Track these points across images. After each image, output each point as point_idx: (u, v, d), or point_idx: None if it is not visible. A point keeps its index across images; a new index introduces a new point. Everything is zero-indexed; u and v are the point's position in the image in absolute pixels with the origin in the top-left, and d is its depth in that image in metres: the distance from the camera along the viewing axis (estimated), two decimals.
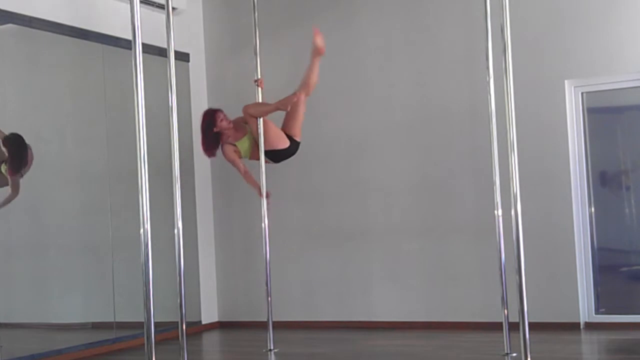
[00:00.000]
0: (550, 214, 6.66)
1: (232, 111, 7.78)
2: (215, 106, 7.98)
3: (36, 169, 6.24)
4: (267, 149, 6.28)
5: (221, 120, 6.38)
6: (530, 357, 4.55)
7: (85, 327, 6.68)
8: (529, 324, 4.59)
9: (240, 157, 6.41)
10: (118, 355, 6.42)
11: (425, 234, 7.13)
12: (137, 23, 3.80)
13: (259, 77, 6.43)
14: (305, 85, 6.35)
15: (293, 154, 6.48)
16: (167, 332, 6.52)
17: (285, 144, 6.35)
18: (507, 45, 4.74)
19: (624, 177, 6.83)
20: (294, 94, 6.27)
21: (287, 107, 6.25)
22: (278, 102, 6.28)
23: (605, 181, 6.79)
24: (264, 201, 6.18)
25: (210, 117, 6.43)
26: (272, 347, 6.16)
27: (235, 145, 6.39)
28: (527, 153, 6.32)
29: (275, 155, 6.39)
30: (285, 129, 6.43)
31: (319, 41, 6.27)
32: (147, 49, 5.21)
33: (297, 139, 6.45)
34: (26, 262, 6.17)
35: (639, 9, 6.50)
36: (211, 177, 7.97)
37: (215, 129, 6.36)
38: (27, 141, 6.09)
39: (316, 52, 6.30)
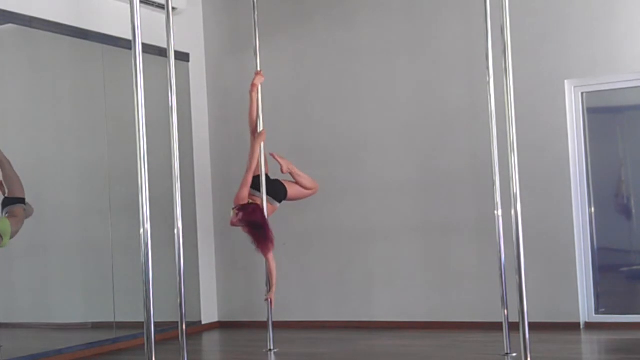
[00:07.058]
0: (550, 214, 6.66)
1: (232, 111, 7.81)
2: (215, 108, 8.01)
3: (36, 169, 6.25)
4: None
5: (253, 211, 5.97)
6: (530, 357, 4.55)
7: (85, 327, 6.68)
8: (529, 324, 4.59)
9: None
10: (118, 355, 6.42)
11: (426, 234, 7.13)
12: (137, 23, 3.80)
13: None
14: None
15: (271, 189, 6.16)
16: (167, 332, 6.52)
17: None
18: (507, 45, 4.74)
19: (624, 178, 6.83)
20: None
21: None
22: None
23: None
24: (265, 206, 6.12)
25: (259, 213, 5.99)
26: (272, 347, 6.16)
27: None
28: (527, 153, 6.31)
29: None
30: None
31: None
32: (147, 49, 5.22)
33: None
34: (26, 262, 6.17)
35: (638, 9, 6.50)
36: (211, 177, 7.97)
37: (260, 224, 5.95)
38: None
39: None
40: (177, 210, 5.35)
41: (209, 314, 7.81)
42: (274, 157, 6.14)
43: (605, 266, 6.73)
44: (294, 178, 6.21)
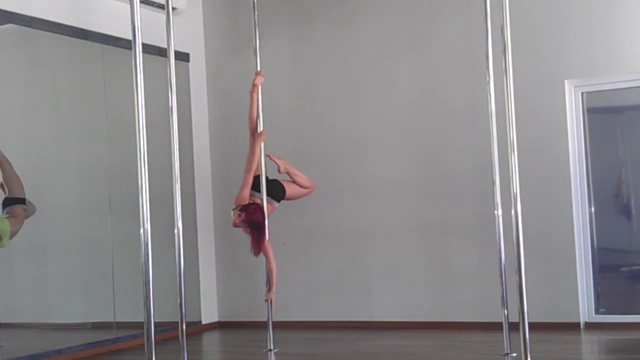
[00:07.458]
0: (550, 214, 6.66)
1: (232, 111, 7.80)
2: (215, 108, 8.02)
3: (36, 169, 6.25)
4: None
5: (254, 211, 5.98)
6: (530, 357, 4.55)
7: (85, 327, 6.68)
8: (529, 324, 4.60)
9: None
10: (118, 355, 6.42)
11: (426, 233, 7.13)
12: (137, 23, 3.81)
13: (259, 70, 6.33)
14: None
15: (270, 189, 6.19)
16: (167, 332, 6.52)
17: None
18: (507, 45, 4.74)
19: (624, 178, 6.83)
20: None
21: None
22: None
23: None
24: (265, 203, 6.14)
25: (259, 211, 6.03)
26: (272, 347, 6.17)
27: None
28: (527, 153, 6.32)
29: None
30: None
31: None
32: (147, 49, 5.21)
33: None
34: (26, 262, 6.17)
35: (638, 9, 6.50)
36: (211, 177, 7.97)
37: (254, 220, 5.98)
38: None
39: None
40: (177, 210, 5.36)
41: (209, 314, 7.81)
42: (270, 158, 6.18)
43: (605, 266, 6.73)
44: (291, 177, 6.23)
